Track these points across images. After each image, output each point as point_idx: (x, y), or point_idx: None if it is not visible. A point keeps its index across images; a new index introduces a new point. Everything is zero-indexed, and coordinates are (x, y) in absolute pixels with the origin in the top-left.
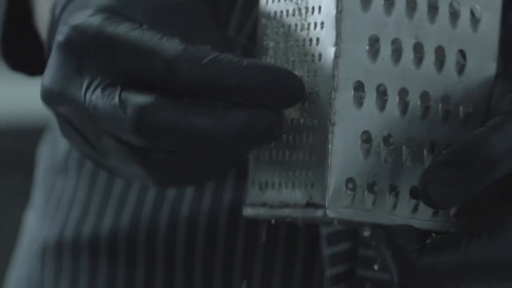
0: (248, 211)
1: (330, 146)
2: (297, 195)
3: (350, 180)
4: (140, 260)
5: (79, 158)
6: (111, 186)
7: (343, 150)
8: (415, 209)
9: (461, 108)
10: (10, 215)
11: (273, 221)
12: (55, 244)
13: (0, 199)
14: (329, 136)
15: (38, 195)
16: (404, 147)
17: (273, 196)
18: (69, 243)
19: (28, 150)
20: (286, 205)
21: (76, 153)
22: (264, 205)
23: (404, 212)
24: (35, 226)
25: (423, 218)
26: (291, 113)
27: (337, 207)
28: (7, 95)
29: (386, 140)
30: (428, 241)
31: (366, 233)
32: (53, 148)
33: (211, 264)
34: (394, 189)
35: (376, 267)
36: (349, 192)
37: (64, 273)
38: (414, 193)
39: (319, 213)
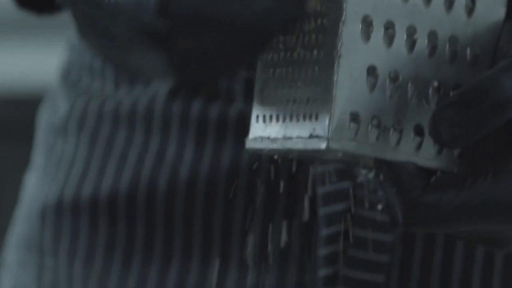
0: (250, 145)
1: (335, 78)
2: (301, 128)
3: (354, 113)
4: (140, 220)
5: (79, 118)
6: (111, 146)
7: (349, 83)
8: (418, 147)
9: (468, 50)
10: (11, 185)
11: (275, 157)
12: (55, 204)
13: (2, 168)
14: (335, 68)
15: (38, 157)
16: (410, 84)
17: (276, 129)
18: (69, 204)
19: (29, 118)
20: (289, 138)
21: (76, 113)
22: (267, 138)
23: (408, 149)
24: (35, 187)
25: (427, 156)
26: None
27: (340, 139)
28: (6, 64)
29: (392, 76)
30: (432, 179)
31: (370, 174)
32: (53, 110)
33: (210, 224)
34: (398, 126)
35: (380, 206)
36: (353, 125)
37: (64, 233)
38: (418, 131)
39: (322, 144)
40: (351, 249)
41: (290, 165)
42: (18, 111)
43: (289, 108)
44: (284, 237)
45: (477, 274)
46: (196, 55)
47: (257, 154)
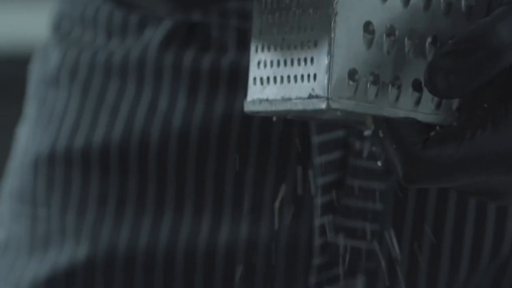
0: (249, 108)
1: (332, 36)
2: (299, 89)
3: (352, 71)
4: (132, 171)
5: (71, 69)
6: (103, 97)
7: (346, 41)
8: (417, 102)
9: (463, 1)
10: (3, 143)
11: (274, 119)
12: (47, 156)
13: None
14: (331, 26)
15: (30, 108)
16: (406, 39)
17: (274, 91)
18: (61, 155)
19: (20, 77)
20: (288, 99)
21: (68, 65)
22: (265, 100)
23: (407, 105)
24: (28, 138)
25: (426, 111)
26: None
27: (339, 97)
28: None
29: (389, 31)
30: (432, 134)
31: (368, 132)
32: (45, 61)
33: (203, 175)
34: (396, 82)
35: (379, 163)
36: (351, 83)
37: (56, 184)
38: (416, 86)
39: (322, 104)
40: (346, 198)
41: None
42: (9, 70)
43: (287, 69)
44: (279, 192)
45: (471, 222)
46: None
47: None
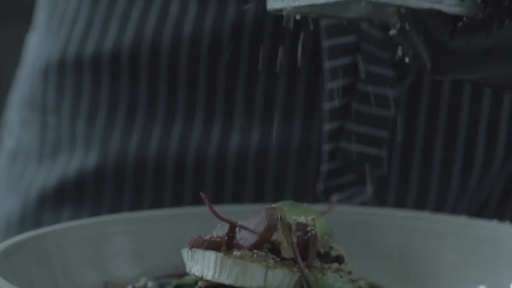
0: (272, 6)
1: None
2: None
3: None
4: (143, 77)
5: None
6: (114, 2)
7: None
8: None
9: None
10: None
11: (298, 17)
12: (58, 62)
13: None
14: None
15: (40, 15)
16: None
17: None
18: (72, 61)
19: None
20: None
21: None
22: None
23: None
24: (38, 45)
25: (451, 2)
26: None
27: None
28: None
29: None
30: (459, 25)
31: (393, 31)
32: None
33: (214, 81)
34: None
35: (407, 59)
36: None
37: (67, 90)
38: None
39: None
40: (356, 103)
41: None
42: None
43: None
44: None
45: (484, 123)
46: None
47: (261, 10)
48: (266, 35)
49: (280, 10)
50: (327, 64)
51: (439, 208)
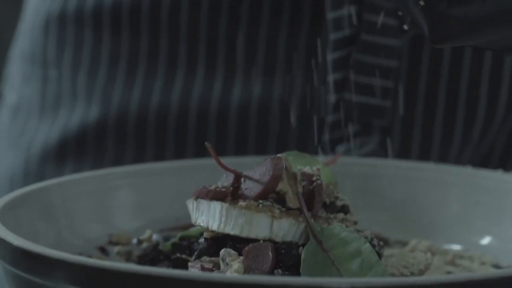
0: None
1: None
2: None
3: None
4: (144, 30)
5: None
6: None
7: None
8: None
9: None
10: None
11: None
12: (58, 15)
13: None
14: None
15: None
16: None
17: None
18: (72, 14)
19: None
20: None
21: None
22: None
23: None
24: None
25: None
26: None
27: None
28: None
29: None
30: None
31: (392, 0)
32: None
33: (215, 35)
34: None
35: (405, 27)
36: None
37: (68, 44)
38: None
39: None
40: (359, 53)
41: None
42: None
43: None
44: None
45: (486, 78)
46: None
47: None
48: None
49: None
50: (331, 15)
51: (442, 160)
